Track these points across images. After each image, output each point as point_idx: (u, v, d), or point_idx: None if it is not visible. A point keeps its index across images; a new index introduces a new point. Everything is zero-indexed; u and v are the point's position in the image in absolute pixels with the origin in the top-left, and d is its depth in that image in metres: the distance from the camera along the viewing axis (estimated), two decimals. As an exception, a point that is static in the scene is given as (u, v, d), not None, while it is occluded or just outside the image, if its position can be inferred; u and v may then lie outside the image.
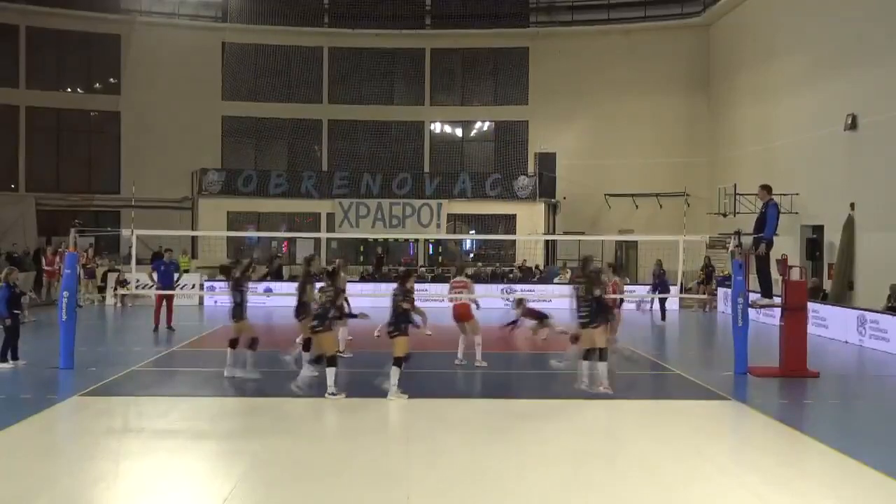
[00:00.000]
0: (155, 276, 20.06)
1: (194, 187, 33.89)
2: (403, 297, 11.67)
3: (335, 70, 36.04)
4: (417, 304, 11.99)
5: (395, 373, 11.42)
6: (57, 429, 10.36)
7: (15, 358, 13.90)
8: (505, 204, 33.44)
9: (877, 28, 21.83)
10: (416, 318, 11.88)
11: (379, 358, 15.20)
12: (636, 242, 31.52)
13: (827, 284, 23.68)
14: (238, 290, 13.19)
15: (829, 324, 19.54)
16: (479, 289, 17.84)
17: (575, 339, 13.53)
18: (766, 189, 14.26)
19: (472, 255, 35.05)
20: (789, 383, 13.18)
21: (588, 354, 12.13)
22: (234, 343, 13.12)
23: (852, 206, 22.54)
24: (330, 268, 12.68)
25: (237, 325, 13.18)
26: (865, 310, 18.74)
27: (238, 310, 13.12)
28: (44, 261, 26.40)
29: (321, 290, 12.02)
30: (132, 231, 16.97)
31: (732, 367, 13.85)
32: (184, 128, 33.83)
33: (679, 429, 10.26)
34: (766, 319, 20.20)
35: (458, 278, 15.30)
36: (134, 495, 7.53)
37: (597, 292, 12.08)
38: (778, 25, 27.34)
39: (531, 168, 34.49)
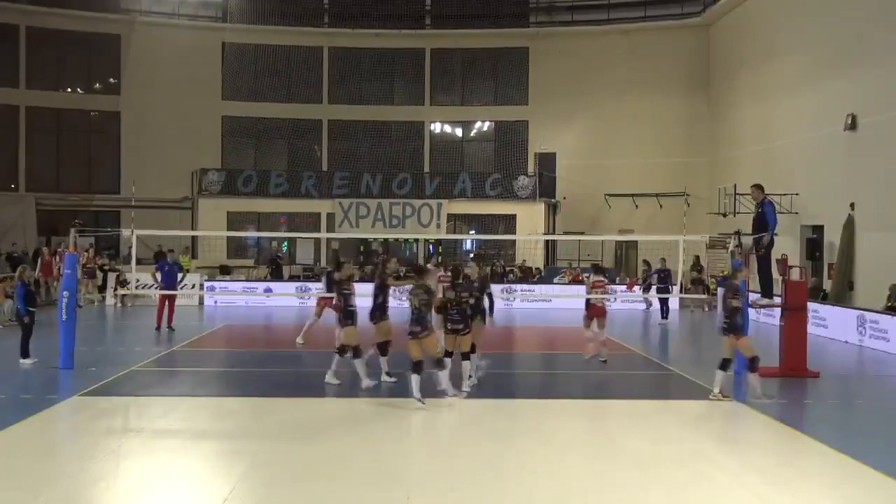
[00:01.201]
0: (159, 276, 19.99)
1: (194, 187, 33.88)
2: (470, 293, 12.03)
3: (335, 70, 36.04)
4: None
5: (467, 365, 11.99)
6: (57, 429, 10.35)
7: (26, 356, 13.93)
8: (505, 204, 33.42)
9: (877, 28, 21.83)
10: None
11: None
12: (636, 242, 31.51)
13: (827, 284, 23.68)
14: (342, 294, 12.60)
15: (829, 324, 19.54)
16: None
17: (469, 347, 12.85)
18: (759, 188, 14.25)
19: (472, 255, 35.00)
20: (789, 383, 13.18)
21: (752, 364, 11.69)
22: (357, 351, 12.31)
23: (852, 206, 22.54)
24: (423, 265, 12.08)
25: (348, 332, 12.39)
26: (865, 310, 18.75)
27: (347, 314, 12.42)
28: (41, 261, 26.36)
29: (412, 292, 11.43)
30: (132, 231, 16.92)
31: (732, 366, 13.83)
32: (184, 128, 33.83)
33: (679, 429, 10.27)
34: (766, 319, 20.20)
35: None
36: (134, 495, 7.54)
37: (734, 303, 11.84)
38: (778, 25, 27.32)
39: (531, 168, 34.49)
